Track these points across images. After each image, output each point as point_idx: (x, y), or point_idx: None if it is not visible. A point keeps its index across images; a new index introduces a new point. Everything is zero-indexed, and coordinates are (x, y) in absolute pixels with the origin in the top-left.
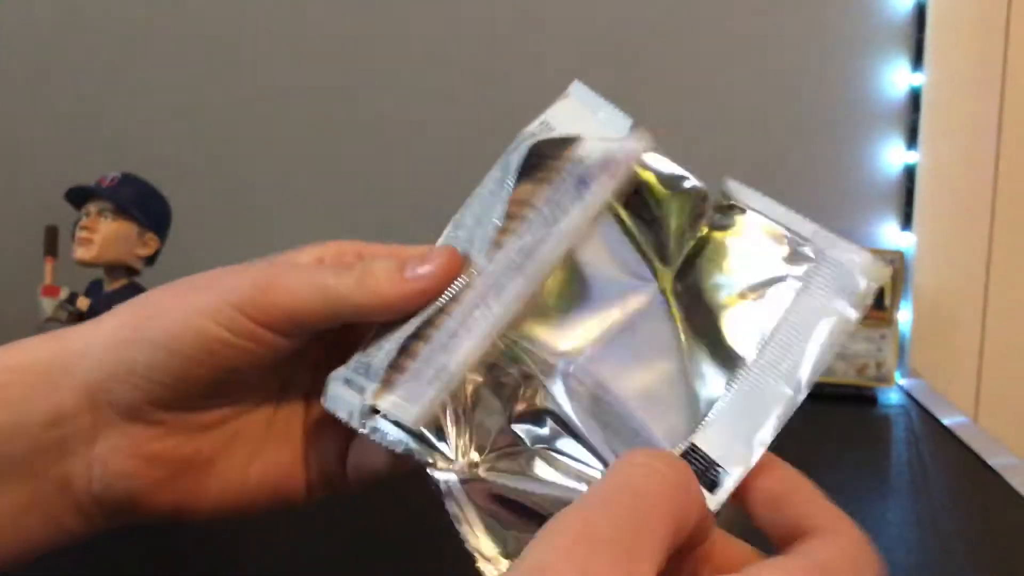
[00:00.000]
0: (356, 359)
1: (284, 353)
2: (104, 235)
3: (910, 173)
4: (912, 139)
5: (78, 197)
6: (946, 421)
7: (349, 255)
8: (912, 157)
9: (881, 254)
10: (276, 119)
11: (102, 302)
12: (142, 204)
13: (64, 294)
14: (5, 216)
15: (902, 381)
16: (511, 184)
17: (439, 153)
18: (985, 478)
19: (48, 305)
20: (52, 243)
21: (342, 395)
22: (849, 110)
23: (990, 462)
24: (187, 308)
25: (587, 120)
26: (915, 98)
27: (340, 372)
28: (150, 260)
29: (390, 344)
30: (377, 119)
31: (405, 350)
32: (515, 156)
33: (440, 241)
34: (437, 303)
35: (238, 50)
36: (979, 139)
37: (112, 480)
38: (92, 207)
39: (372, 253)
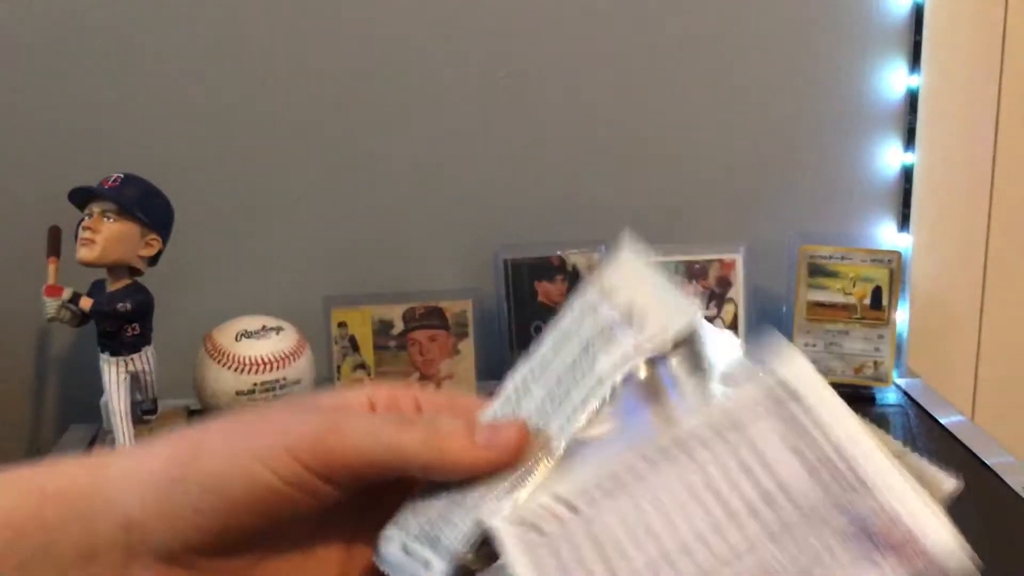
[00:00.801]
0: (411, 521)
1: (333, 501)
2: (107, 236)
3: (907, 174)
4: (910, 140)
5: (81, 198)
6: (943, 420)
7: (405, 403)
8: (909, 158)
9: (879, 255)
10: (278, 120)
11: (105, 302)
12: (145, 205)
13: (67, 294)
14: (8, 216)
15: (899, 380)
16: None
17: (440, 154)
18: (982, 477)
19: (51, 305)
20: (55, 243)
21: (402, 563)
22: (847, 111)
23: (987, 461)
24: (239, 449)
25: (649, 295)
26: (912, 100)
27: (393, 533)
28: (153, 260)
29: (461, 521)
30: (379, 120)
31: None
32: (600, 345)
33: (501, 403)
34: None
35: (240, 51)
36: (976, 140)
37: None
38: (95, 208)
39: (431, 404)
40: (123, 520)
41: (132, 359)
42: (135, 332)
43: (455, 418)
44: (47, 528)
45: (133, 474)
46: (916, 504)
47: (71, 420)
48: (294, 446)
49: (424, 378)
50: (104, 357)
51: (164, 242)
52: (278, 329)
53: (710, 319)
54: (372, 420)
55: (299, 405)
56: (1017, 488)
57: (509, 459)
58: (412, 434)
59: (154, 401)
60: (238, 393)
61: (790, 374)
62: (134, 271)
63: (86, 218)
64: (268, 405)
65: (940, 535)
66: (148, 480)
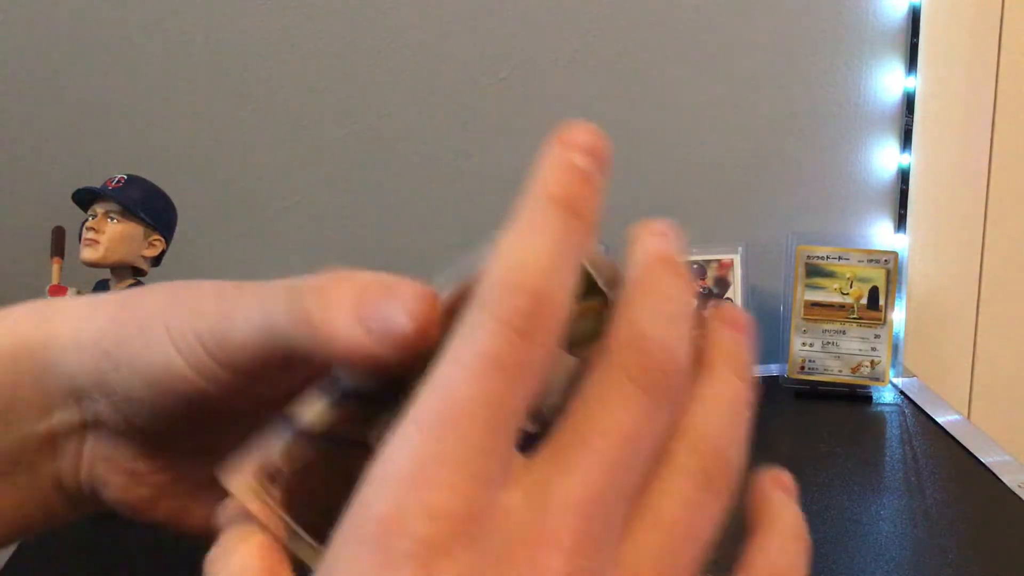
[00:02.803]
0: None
1: (257, 394)
2: (110, 236)
3: (904, 175)
4: (906, 142)
5: (85, 198)
6: (940, 419)
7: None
8: (906, 159)
9: (876, 255)
10: (281, 121)
11: None
12: (148, 205)
13: (71, 294)
14: (13, 217)
15: (896, 380)
16: None
17: (440, 154)
18: (978, 475)
19: None
20: (59, 244)
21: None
22: (844, 113)
23: (983, 459)
24: (160, 327)
25: None
26: (909, 101)
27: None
28: (156, 261)
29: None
30: (381, 122)
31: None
32: None
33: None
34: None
35: (243, 53)
36: (972, 142)
37: (99, 488)
38: (99, 208)
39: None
40: (69, 385)
41: None
42: None
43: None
44: (2, 386)
45: (78, 336)
46: None
47: None
48: (199, 326)
49: None
50: None
51: (167, 242)
52: None
53: None
54: (267, 289)
55: (247, 283)
56: (1013, 486)
57: (396, 351)
58: (276, 303)
59: None
60: None
61: None
62: (137, 271)
63: (90, 219)
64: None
65: None
66: (89, 346)
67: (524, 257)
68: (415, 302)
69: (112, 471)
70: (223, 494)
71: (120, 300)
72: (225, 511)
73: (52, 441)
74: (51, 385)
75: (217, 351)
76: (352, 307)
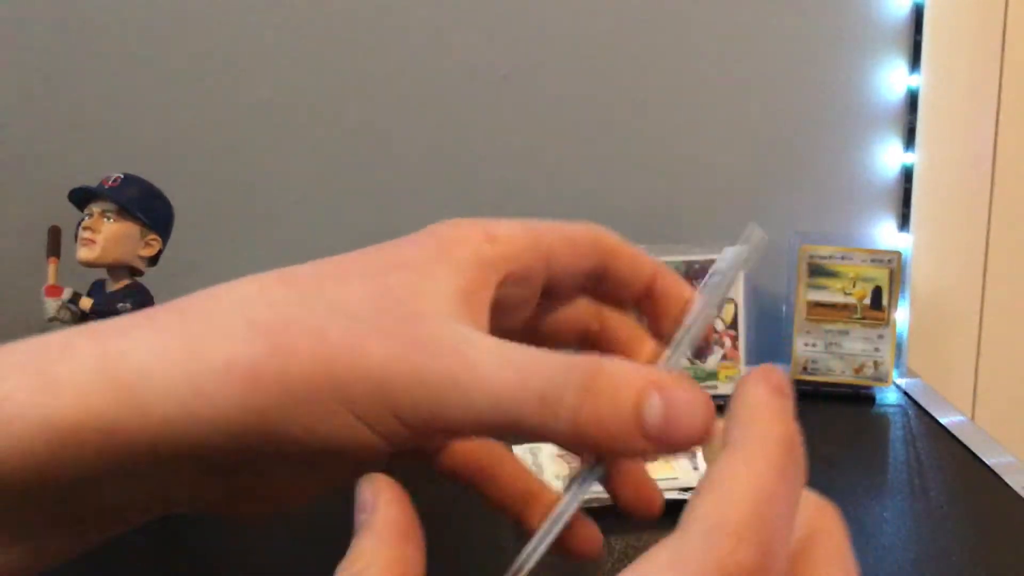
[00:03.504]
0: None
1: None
2: (107, 236)
3: (908, 174)
4: (910, 140)
5: (81, 198)
6: (943, 420)
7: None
8: (910, 158)
9: (879, 255)
10: (279, 119)
11: (105, 302)
12: (145, 205)
13: (67, 294)
14: (8, 216)
15: (900, 380)
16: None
17: (440, 154)
18: (982, 477)
19: (51, 305)
20: (55, 244)
21: None
22: (847, 111)
23: (987, 461)
24: (336, 408)
25: None
26: (913, 99)
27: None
28: (153, 261)
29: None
30: (381, 121)
31: None
32: None
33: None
34: None
35: (241, 51)
36: (976, 140)
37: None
38: (95, 208)
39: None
40: (150, 452)
41: None
42: None
43: (621, 365)
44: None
45: (174, 377)
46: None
47: None
48: (398, 404)
49: None
50: None
51: (164, 242)
52: None
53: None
54: (497, 368)
55: (385, 293)
56: (1017, 488)
57: (682, 450)
58: (517, 395)
59: None
60: None
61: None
62: (134, 271)
63: (86, 218)
64: (339, 271)
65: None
66: (199, 391)
67: (763, 511)
68: (706, 414)
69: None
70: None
71: (250, 366)
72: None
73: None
74: (144, 465)
75: (422, 427)
76: (634, 406)
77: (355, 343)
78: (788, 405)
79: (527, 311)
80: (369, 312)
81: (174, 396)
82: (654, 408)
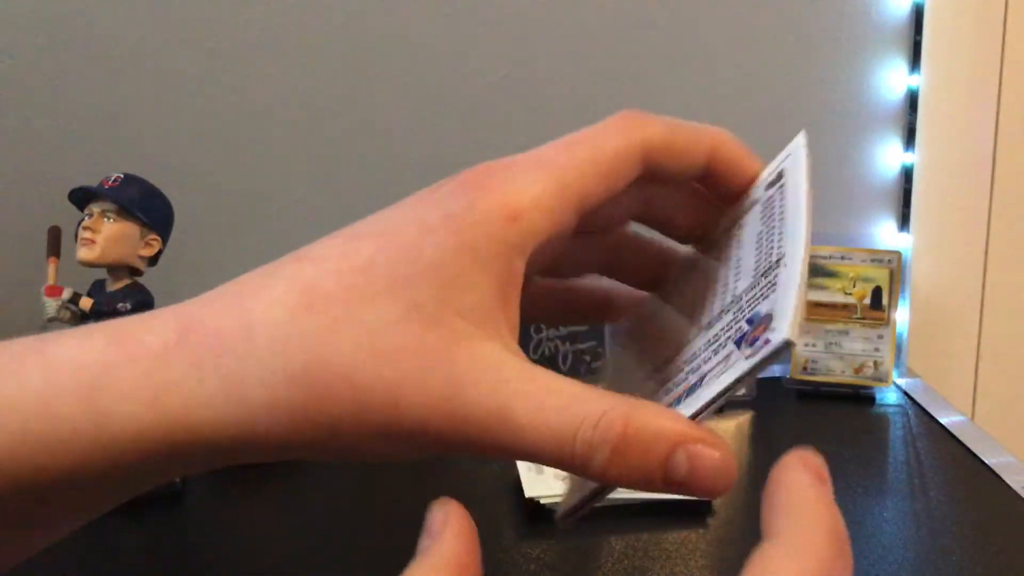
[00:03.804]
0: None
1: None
2: (107, 236)
3: (908, 174)
4: (910, 140)
5: (81, 198)
6: (943, 420)
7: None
8: (910, 158)
9: (879, 255)
10: (279, 119)
11: (105, 302)
12: (145, 205)
13: (67, 294)
14: (8, 217)
15: (900, 380)
16: None
17: (441, 154)
18: (982, 476)
19: (51, 305)
20: (55, 244)
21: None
22: (847, 111)
23: (987, 460)
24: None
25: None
26: (912, 100)
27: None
28: (153, 260)
29: None
30: (381, 121)
31: None
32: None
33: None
34: None
35: (241, 51)
36: (976, 140)
37: None
38: (95, 208)
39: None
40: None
41: None
42: None
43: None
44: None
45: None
46: (791, 298)
47: None
48: (437, 443)
49: None
50: None
51: (164, 242)
52: None
53: None
54: (534, 416)
55: (414, 312)
56: (1017, 488)
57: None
58: (544, 438)
59: None
60: None
61: (788, 164)
62: (134, 271)
63: (86, 218)
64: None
65: (784, 331)
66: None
67: None
68: (729, 475)
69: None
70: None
71: (292, 410)
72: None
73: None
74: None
75: (458, 453)
76: (661, 469)
77: (391, 392)
78: (830, 492)
79: (563, 247)
80: (402, 347)
81: (224, 433)
82: (680, 466)
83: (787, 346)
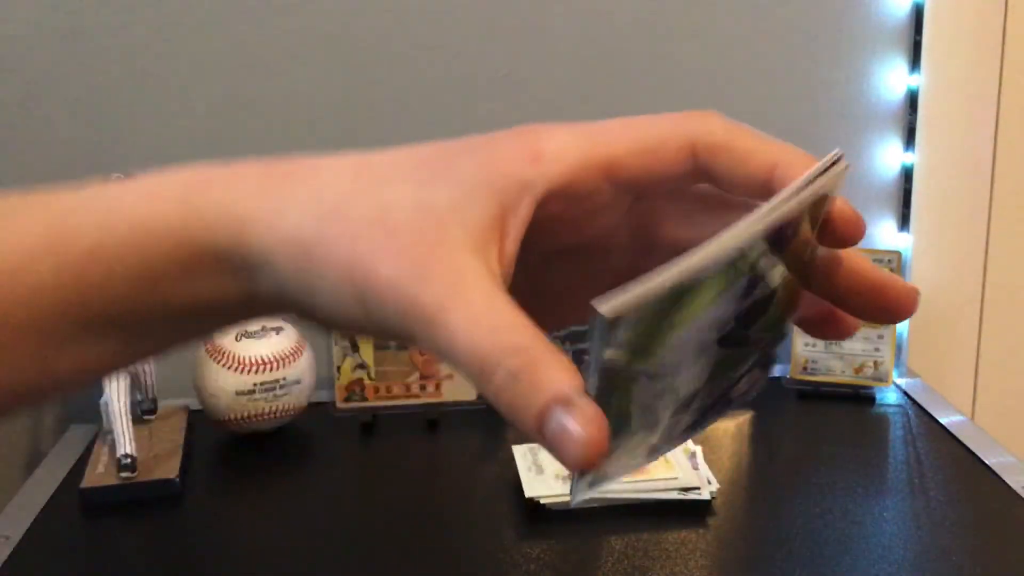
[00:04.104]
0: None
1: None
2: None
3: (908, 174)
4: (910, 140)
5: None
6: (943, 420)
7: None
8: (910, 158)
9: (879, 254)
10: (279, 120)
11: None
12: None
13: None
14: None
15: (900, 380)
16: None
17: None
18: (982, 476)
19: None
20: None
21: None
22: (847, 111)
23: (987, 461)
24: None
25: None
26: (913, 99)
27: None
28: None
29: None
30: (382, 120)
31: None
32: None
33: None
34: None
35: (242, 51)
36: (976, 140)
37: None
38: None
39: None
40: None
41: None
42: None
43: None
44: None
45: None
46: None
47: (71, 420)
48: (386, 318)
49: (424, 378)
50: None
51: None
52: (278, 329)
53: None
54: (465, 324)
55: (426, 209)
56: (1017, 488)
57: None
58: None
59: (154, 401)
60: (238, 393)
61: None
62: None
63: None
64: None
65: (606, 308)
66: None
67: None
68: (587, 455)
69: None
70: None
71: (305, 240)
72: None
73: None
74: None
75: (400, 337)
76: (538, 413)
77: (375, 258)
78: None
79: (595, 223)
80: (404, 226)
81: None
82: (552, 424)
83: (607, 321)
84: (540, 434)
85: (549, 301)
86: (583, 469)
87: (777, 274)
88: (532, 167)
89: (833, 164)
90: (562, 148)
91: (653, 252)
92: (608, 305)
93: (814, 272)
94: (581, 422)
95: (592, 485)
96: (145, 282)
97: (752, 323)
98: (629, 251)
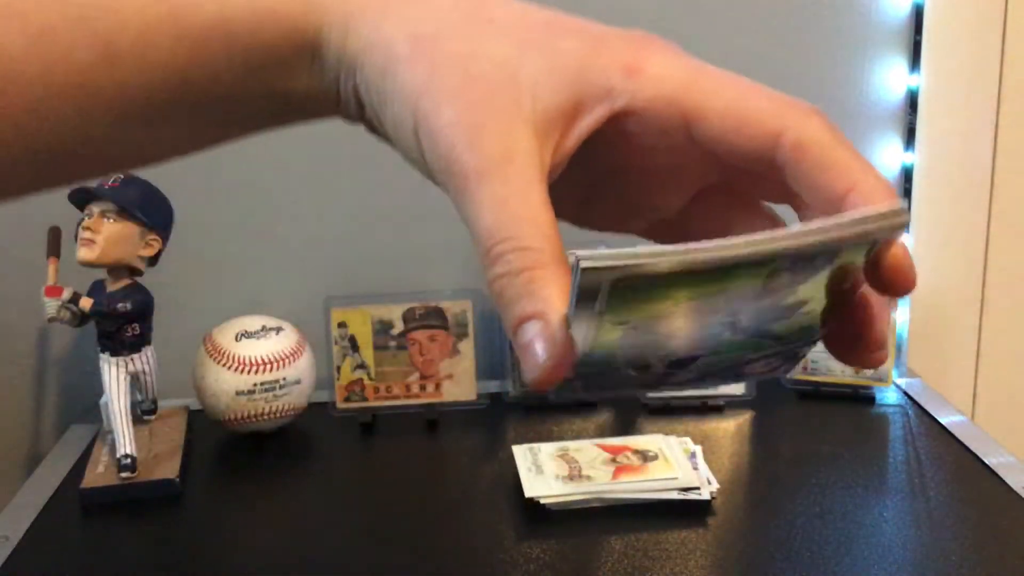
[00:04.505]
0: None
1: None
2: (107, 236)
3: (907, 174)
4: (910, 140)
5: (81, 198)
6: (943, 420)
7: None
8: (910, 158)
9: None
10: None
11: (105, 302)
12: (145, 205)
13: (67, 294)
14: (8, 217)
15: (899, 380)
16: None
17: None
18: (982, 477)
19: (51, 305)
20: (55, 244)
21: None
22: (846, 111)
23: (987, 461)
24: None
25: None
26: (912, 99)
27: None
28: (153, 260)
29: None
30: None
31: None
32: None
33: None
34: None
35: None
36: (976, 140)
37: None
38: (95, 208)
39: None
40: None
41: (132, 359)
42: (135, 332)
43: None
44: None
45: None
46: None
47: (71, 420)
48: (422, 151)
49: (424, 378)
50: (104, 357)
51: (164, 242)
52: (278, 329)
53: None
54: (488, 200)
55: (519, 63)
56: (1017, 488)
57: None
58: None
59: (154, 401)
60: (238, 393)
61: None
62: (134, 271)
63: (86, 218)
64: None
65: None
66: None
67: None
68: (546, 377)
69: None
70: None
71: (399, 53)
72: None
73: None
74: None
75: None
76: (517, 319)
77: (442, 97)
78: None
79: (656, 157)
80: (482, 78)
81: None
82: (525, 336)
83: (581, 269)
84: (513, 337)
85: (589, 208)
86: (537, 387)
87: (805, 289)
88: (625, 79)
89: (893, 213)
90: (662, 74)
91: (683, 216)
92: (587, 262)
93: (847, 303)
94: (549, 348)
95: (577, 392)
96: (255, 62)
97: (772, 321)
98: (670, 196)
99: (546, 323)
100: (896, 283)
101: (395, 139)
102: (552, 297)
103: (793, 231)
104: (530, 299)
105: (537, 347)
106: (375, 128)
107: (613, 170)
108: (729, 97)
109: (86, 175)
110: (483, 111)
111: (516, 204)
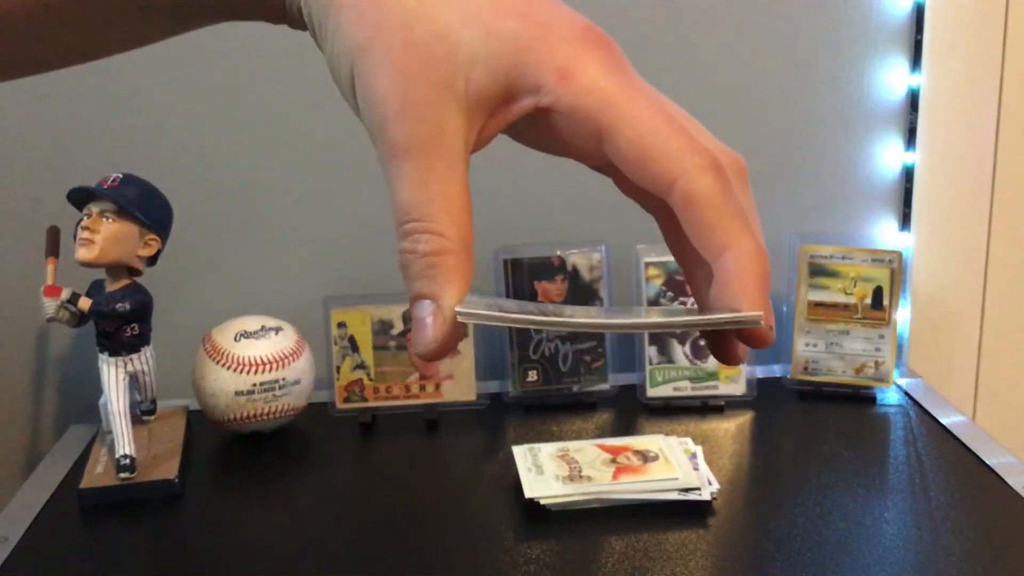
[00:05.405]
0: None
1: None
2: (105, 236)
3: (908, 174)
4: (911, 140)
5: (80, 198)
6: (944, 420)
7: None
8: (911, 158)
9: (880, 254)
10: (279, 118)
11: (104, 302)
12: (144, 205)
13: (66, 294)
14: (7, 217)
15: (900, 381)
16: None
17: None
18: (983, 477)
19: (50, 305)
20: (54, 244)
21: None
22: (848, 111)
23: (988, 461)
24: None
25: None
26: (914, 99)
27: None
28: (152, 260)
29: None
30: None
31: None
32: None
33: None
34: None
35: (240, 50)
36: (977, 140)
37: None
38: (94, 208)
39: None
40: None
41: (131, 359)
42: (134, 332)
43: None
44: None
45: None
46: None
47: (71, 420)
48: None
49: (424, 378)
50: (103, 357)
51: (163, 242)
52: (277, 329)
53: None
54: (409, 181)
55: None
56: (1017, 488)
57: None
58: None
59: (153, 401)
60: (237, 393)
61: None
62: (133, 271)
63: (85, 218)
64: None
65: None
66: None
67: None
68: (434, 343)
69: None
70: None
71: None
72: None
73: None
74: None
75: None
76: (415, 296)
77: (381, 55)
78: None
79: (577, 149)
80: (423, 43)
81: None
82: (418, 312)
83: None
84: (410, 307)
85: (521, 139)
86: (424, 359)
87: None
88: (555, 81)
89: (751, 320)
90: (590, 86)
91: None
92: (461, 316)
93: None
94: (437, 331)
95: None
96: None
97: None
98: (593, 163)
99: (439, 307)
100: (725, 358)
101: (330, 71)
102: (450, 283)
103: (643, 321)
104: (430, 281)
105: (428, 326)
106: (316, 42)
107: (538, 139)
108: (641, 130)
109: (74, 62)
110: (417, 86)
111: (435, 187)
